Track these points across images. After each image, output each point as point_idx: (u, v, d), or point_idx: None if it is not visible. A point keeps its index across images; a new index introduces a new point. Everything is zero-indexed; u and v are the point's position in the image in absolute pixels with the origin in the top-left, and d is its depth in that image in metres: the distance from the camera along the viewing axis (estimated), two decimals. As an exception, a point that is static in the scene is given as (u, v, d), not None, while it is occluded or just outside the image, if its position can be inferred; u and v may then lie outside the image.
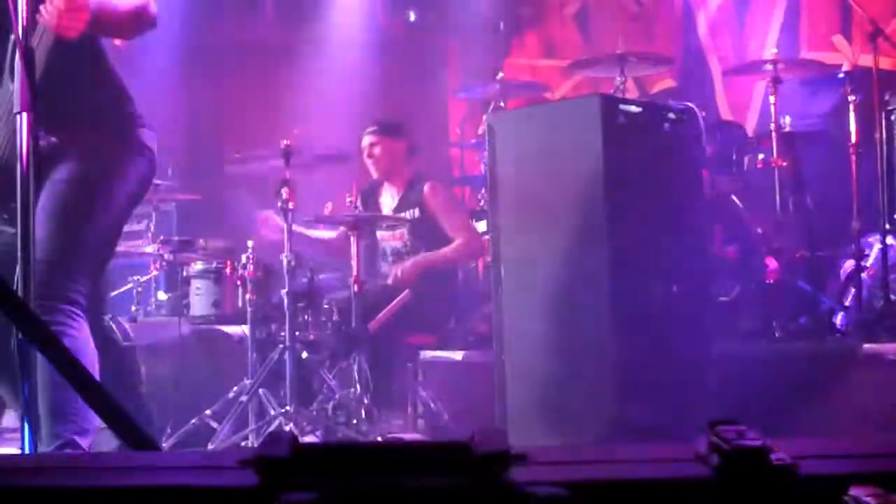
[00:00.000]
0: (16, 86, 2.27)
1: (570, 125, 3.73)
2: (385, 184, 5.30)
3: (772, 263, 4.77)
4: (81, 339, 2.75)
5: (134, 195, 3.01)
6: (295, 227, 4.47)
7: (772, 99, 4.83)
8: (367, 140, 5.20)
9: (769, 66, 4.93)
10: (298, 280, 4.51)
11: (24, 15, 2.25)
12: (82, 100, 2.89)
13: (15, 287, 2.17)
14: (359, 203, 4.97)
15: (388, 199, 5.27)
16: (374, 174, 5.25)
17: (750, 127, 6.00)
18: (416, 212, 5.09)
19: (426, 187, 5.09)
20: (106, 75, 2.98)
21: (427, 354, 4.68)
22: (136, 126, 3.00)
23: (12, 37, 2.30)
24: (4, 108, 2.68)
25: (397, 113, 6.53)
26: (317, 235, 5.28)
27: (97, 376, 2.82)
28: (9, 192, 2.29)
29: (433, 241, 5.05)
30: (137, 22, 2.89)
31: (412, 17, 7.41)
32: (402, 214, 5.11)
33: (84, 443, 2.68)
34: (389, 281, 4.90)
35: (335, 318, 4.56)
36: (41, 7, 2.60)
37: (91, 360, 2.76)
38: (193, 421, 4.39)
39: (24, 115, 2.25)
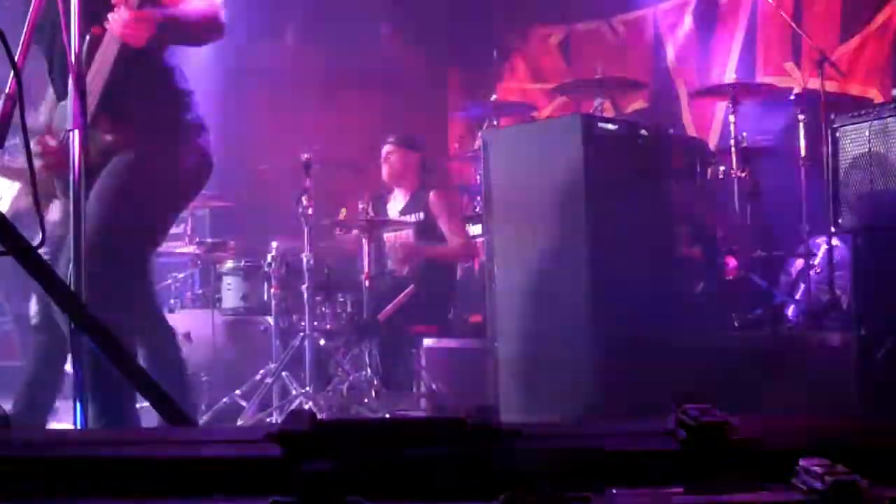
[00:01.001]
0: (69, 105, 2.24)
1: (555, 141, 3.73)
2: (395, 189, 5.31)
3: (731, 262, 4.76)
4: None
5: (191, 188, 2.92)
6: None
7: (731, 118, 4.82)
8: (385, 148, 5.24)
9: (729, 89, 4.93)
10: (317, 276, 4.50)
11: (77, 39, 2.20)
12: (148, 111, 2.76)
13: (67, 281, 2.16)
14: (370, 208, 4.97)
15: (396, 204, 5.28)
16: (386, 178, 5.27)
17: (712, 142, 5.99)
18: (421, 215, 5.11)
19: (432, 194, 5.12)
20: (169, 85, 2.83)
21: (429, 342, 4.68)
22: (193, 127, 2.88)
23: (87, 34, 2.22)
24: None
25: (402, 129, 6.54)
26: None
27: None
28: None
29: (434, 241, 5.07)
30: (207, 29, 2.76)
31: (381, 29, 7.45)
32: (408, 217, 5.12)
33: None
34: (390, 255, 4.92)
35: (349, 309, 4.55)
36: (109, 14, 2.52)
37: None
38: (225, 400, 4.38)
39: (76, 132, 2.22)
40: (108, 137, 2.57)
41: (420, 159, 5.26)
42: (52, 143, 2.68)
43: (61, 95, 2.72)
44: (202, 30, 2.76)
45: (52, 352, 2.86)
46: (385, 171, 5.23)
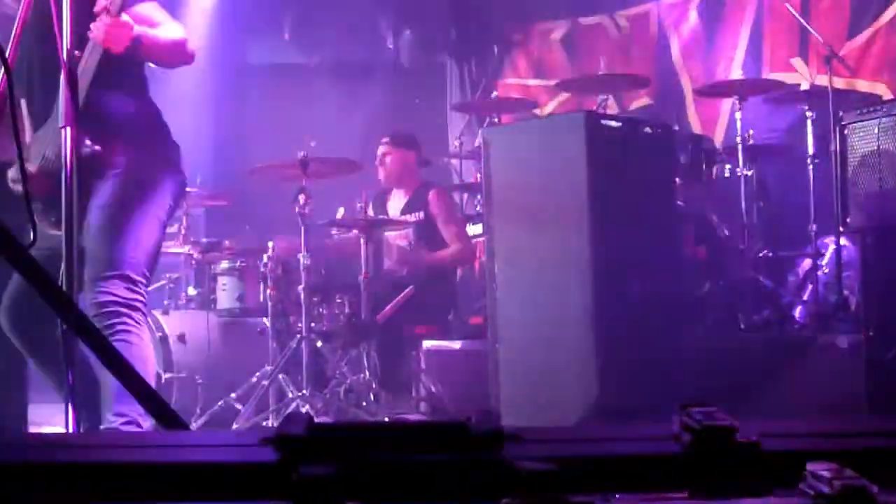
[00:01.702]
0: (60, 102, 2.26)
1: (558, 138, 3.73)
2: (394, 189, 5.30)
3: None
4: (145, 342, 2.77)
5: (171, 211, 3.02)
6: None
7: (738, 115, 4.82)
8: (380, 149, 5.22)
9: (735, 86, 4.93)
10: (313, 277, 4.50)
11: (69, 36, 2.24)
12: (126, 117, 2.88)
13: (59, 282, 2.16)
14: (370, 208, 4.97)
15: (396, 203, 5.27)
16: (383, 180, 5.25)
17: (718, 140, 6.00)
18: (421, 215, 5.10)
19: (431, 193, 5.11)
20: (147, 98, 3.00)
21: (429, 344, 4.68)
22: (172, 148, 3.01)
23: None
24: (55, 131, 2.66)
25: (402, 126, 6.54)
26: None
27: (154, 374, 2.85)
28: (59, 199, 2.27)
29: (434, 242, 5.06)
30: (175, 54, 2.94)
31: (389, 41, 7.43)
32: (408, 217, 5.11)
33: (145, 424, 2.68)
34: (389, 255, 4.93)
35: (347, 310, 4.55)
36: (91, 25, 2.62)
37: (151, 358, 2.78)
38: (220, 403, 4.39)
39: (68, 129, 2.24)
40: (87, 142, 2.59)
41: (417, 157, 5.25)
42: (31, 169, 2.72)
43: (39, 121, 2.80)
44: (172, 54, 2.94)
45: (16, 353, 2.90)
46: (382, 173, 5.22)
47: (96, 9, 2.63)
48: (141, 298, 2.79)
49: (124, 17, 2.64)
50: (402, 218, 5.13)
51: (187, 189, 3.21)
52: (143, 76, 2.98)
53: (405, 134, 5.30)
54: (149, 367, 2.77)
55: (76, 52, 2.31)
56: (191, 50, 2.94)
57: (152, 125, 2.98)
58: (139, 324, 2.75)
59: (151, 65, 3.05)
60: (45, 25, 2.27)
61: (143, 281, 2.82)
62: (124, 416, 2.65)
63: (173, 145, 3.02)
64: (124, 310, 2.71)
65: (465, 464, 1.00)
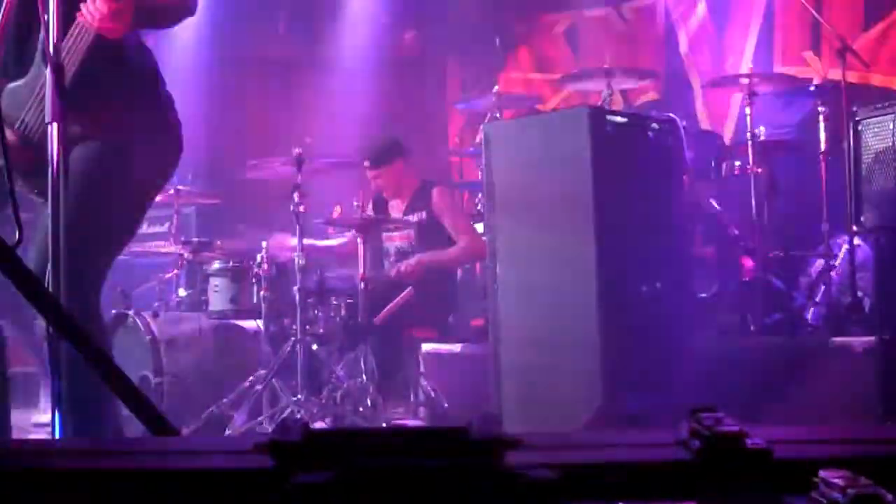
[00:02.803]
0: (47, 97, 2.23)
1: (561, 134, 3.73)
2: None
3: (747, 262, 4.76)
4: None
5: (159, 174, 2.87)
6: (306, 241, 4.46)
7: (748, 110, 4.82)
8: (369, 174, 5.18)
9: (745, 80, 4.93)
10: (309, 277, 4.50)
11: (56, 28, 2.20)
12: (113, 82, 2.73)
13: (46, 283, 2.16)
14: (369, 208, 4.96)
15: (398, 203, 5.27)
16: (387, 197, 5.26)
17: (727, 136, 6.00)
18: (424, 215, 5.09)
19: (434, 192, 5.10)
20: (139, 57, 2.81)
21: (428, 347, 4.68)
22: (164, 107, 2.86)
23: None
24: (39, 82, 2.55)
25: (400, 123, 6.55)
26: (325, 244, 5.30)
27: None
28: (41, 169, 2.23)
29: (437, 243, 5.06)
30: (176, 9, 2.75)
31: (405, 36, 7.41)
32: (410, 217, 5.11)
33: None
34: (392, 273, 4.90)
35: (343, 313, 4.55)
36: (82, 6, 2.49)
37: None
38: (211, 408, 4.38)
39: (55, 125, 2.21)
40: (75, 129, 2.54)
41: (403, 163, 5.20)
42: (9, 135, 2.63)
43: (12, 73, 2.67)
44: (173, 12, 2.77)
45: None
46: (384, 195, 5.23)
47: None
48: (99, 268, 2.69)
49: None
50: (403, 218, 5.12)
51: (178, 186, 3.06)
52: (139, 59, 2.81)
53: (381, 147, 5.17)
54: None
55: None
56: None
57: (142, 95, 2.80)
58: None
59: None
60: None
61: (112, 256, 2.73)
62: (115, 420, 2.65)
63: (167, 105, 2.85)
64: None
65: (465, 470, 1.00)
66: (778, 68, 6.01)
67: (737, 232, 4.83)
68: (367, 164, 5.11)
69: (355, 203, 4.72)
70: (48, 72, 2.20)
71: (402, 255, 5.10)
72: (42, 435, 3.96)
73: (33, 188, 2.63)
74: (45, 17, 2.16)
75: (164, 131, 2.85)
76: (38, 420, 4.13)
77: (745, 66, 5.94)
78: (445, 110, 7.82)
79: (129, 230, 2.86)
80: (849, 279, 4.43)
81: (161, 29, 2.96)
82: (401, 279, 4.82)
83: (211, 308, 4.95)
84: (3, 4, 2.21)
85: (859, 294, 4.36)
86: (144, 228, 3.02)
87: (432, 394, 4.48)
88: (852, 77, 5.10)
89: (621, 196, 3.67)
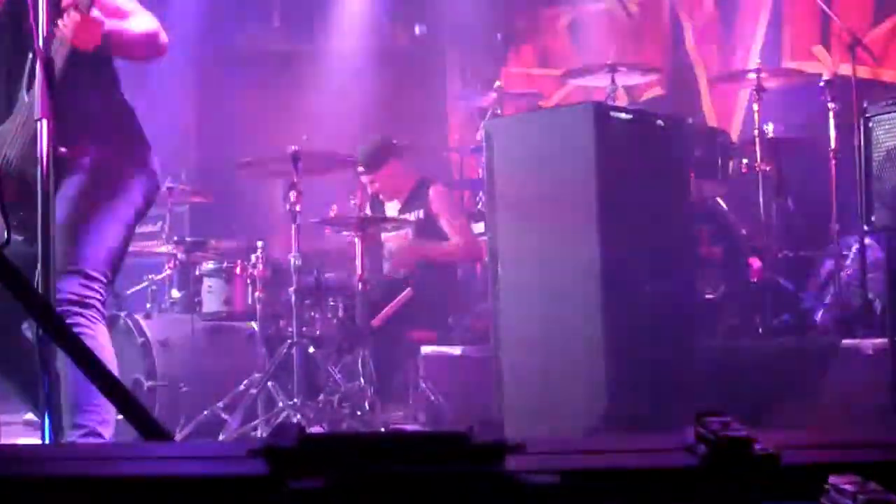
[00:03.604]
0: (36, 93, 2.25)
1: (564, 131, 3.73)
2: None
3: (755, 263, 4.76)
4: (100, 342, 2.76)
5: (140, 212, 3.01)
6: None
7: (755, 106, 4.83)
8: (363, 179, 5.18)
9: (753, 76, 4.93)
10: (305, 278, 4.50)
11: (45, 26, 2.24)
12: (94, 115, 2.89)
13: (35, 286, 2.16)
14: (367, 208, 4.97)
15: (395, 204, 5.28)
16: (385, 200, 5.26)
17: (734, 133, 5.99)
18: (421, 213, 5.11)
19: (432, 190, 5.11)
20: (117, 96, 3.00)
21: (427, 349, 4.68)
22: (143, 147, 3.01)
23: (30, 54, 2.30)
24: (20, 118, 2.69)
25: (399, 119, 6.54)
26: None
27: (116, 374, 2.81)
28: (19, 201, 2.28)
29: (435, 241, 5.07)
30: (148, 47, 2.94)
31: (417, 30, 7.39)
32: (407, 216, 5.12)
33: (106, 433, 2.69)
34: (392, 262, 4.91)
35: (340, 314, 4.56)
36: (59, 21, 2.61)
37: (111, 361, 2.76)
38: (205, 412, 4.39)
39: (44, 121, 2.23)
40: (60, 150, 2.61)
41: (397, 163, 5.20)
42: None
43: (4, 116, 2.80)
44: (143, 48, 2.95)
45: None
46: (382, 198, 5.24)
47: (64, 3, 2.63)
48: (97, 296, 2.78)
49: (95, 11, 2.64)
50: (401, 217, 5.12)
51: (161, 188, 3.19)
52: (113, 72, 2.99)
53: (373, 149, 5.17)
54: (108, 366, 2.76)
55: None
56: (163, 42, 2.94)
57: (122, 122, 2.98)
58: (93, 321, 2.75)
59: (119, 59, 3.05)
60: (11, 14, 2.28)
61: (102, 280, 2.82)
62: (83, 428, 2.66)
63: (144, 144, 3.02)
64: (76, 308, 2.71)
65: (466, 477, 1.00)
66: (786, 63, 6.00)
67: (744, 231, 4.83)
68: (360, 169, 5.11)
69: (352, 201, 4.72)
70: (38, 67, 2.23)
71: (400, 251, 5.12)
72: (32, 434, 3.96)
73: (12, 222, 2.68)
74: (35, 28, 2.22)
75: (145, 172, 2.99)
76: (28, 418, 4.13)
77: (753, 60, 5.94)
78: (445, 106, 7.82)
79: (119, 256, 2.96)
80: (859, 280, 4.42)
81: (132, 60, 3.11)
82: (397, 268, 4.84)
83: (205, 309, 4.95)
84: None
85: (870, 295, 4.36)
86: (136, 228, 3.09)
87: (432, 398, 4.49)
88: (863, 72, 5.10)
89: (626, 194, 3.67)
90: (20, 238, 2.52)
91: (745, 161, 4.85)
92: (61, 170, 2.72)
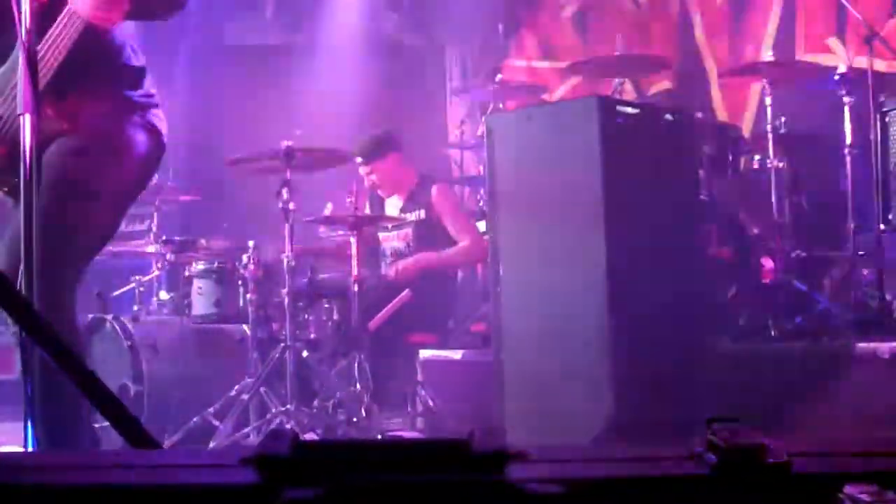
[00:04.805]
0: (19, 88, 2.23)
1: (569, 126, 3.73)
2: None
3: (767, 263, 4.76)
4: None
5: (140, 174, 2.89)
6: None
7: (768, 101, 4.82)
8: (361, 171, 5.18)
9: (765, 68, 4.93)
10: (299, 280, 4.50)
11: (28, 15, 2.21)
12: (98, 76, 2.76)
13: (18, 284, 2.16)
14: (367, 206, 4.97)
15: (395, 201, 5.27)
16: (384, 195, 5.26)
17: (746, 128, 6.00)
18: (422, 213, 5.10)
19: (434, 189, 5.10)
20: (121, 54, 2.84)
21: (426, 353, 4.68)
22: (145, 105, 2.88)
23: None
24: (13, 81, 2.51)
25: (397, 114, 6.54)
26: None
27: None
28: (11, 166, 2.24)
29: (436, 243, 5.06)
30: (170, 4, 2.81)
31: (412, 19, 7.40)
32: (408, 216, 5.11)
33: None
34: (391, 272, 4.90)
35: (335, 317, 4.56)
36: None
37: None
38: (195, 419, 4.39)
39: (28, 116, 2.21)
40: (53, 124, 2.56)
41: (397, 157, 5.20)
42: None
43: None
44: (165, 4, 2.82)
45: None
46: (379, 191, 5.23)
47: None
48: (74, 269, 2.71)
49: None
50: (400, 217, 5.12)
51: (158, 182, 3.11)
52: (120, 42, 2.83)
53: (372, 141, 5.19)
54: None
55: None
56: None
57: (121, 82, 2.83)
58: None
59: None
60: None
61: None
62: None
63: (150, 103, 2.88)
64: None
65: (466, 485, 1.00)
66: (800, 56, 6.00)
67: (756, 231, 4.83)
68: (358, 160, 5.12)
69: (348, 200, 4.72)
70: (21, 60, 2.21)
71: (399, 256, 5.11)
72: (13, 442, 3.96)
73: (2, 186, 2.64)
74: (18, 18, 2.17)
75: (146, 131, 2.87)
76: None
77: (766, 53, 5.93)
78: (444, 101, 7.82)
79: (108, 231, 2.88)
80: (876, 280, 4.43)
81: (152, 21, 2.96)
82: (398, 280, 4.82)
83: (194, 312, 4.95)
84: None
85: (887, 296, 4.36)
86: (123, 227, 3.04)
87: (431, 403, 4.49)
88: (879, 66, 5.10)
89: (633, 192, 3.67)
90: (12, 200, 2.47)
91: (756, 157, 4.86)
92: (55, 133, 2.65)
